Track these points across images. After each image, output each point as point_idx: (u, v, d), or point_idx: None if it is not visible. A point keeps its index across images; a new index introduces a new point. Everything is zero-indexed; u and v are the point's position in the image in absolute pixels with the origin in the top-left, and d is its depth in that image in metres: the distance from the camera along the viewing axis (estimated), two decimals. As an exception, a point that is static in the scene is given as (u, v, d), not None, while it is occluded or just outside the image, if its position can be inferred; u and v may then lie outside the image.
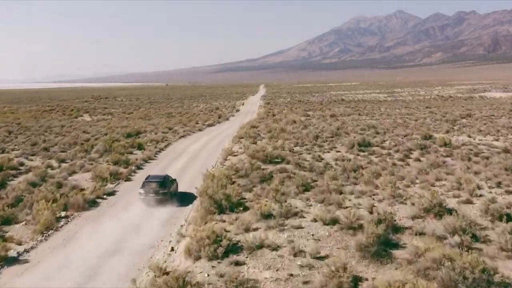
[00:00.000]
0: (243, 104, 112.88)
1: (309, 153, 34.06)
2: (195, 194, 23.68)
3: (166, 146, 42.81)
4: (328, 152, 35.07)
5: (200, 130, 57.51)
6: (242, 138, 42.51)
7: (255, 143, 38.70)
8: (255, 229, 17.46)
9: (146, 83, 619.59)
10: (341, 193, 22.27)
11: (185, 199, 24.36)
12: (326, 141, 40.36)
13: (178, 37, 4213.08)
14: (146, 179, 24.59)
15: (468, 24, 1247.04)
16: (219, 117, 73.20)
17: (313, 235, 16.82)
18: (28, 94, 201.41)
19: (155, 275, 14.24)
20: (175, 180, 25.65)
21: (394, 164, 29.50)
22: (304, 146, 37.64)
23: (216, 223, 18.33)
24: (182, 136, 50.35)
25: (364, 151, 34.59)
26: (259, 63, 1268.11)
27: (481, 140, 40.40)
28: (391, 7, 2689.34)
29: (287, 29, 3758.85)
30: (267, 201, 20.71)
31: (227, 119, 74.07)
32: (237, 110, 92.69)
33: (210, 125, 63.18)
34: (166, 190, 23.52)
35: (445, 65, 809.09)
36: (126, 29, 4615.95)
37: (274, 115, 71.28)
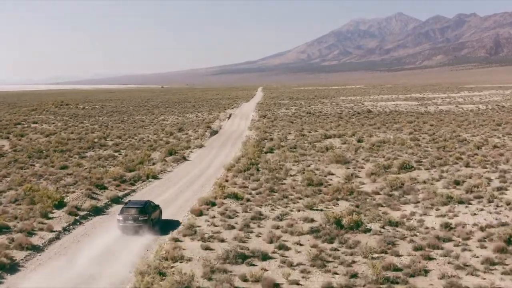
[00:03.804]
0: (229, 117, 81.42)
1: None
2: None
3: None
4: None
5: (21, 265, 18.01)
6: None
7: None
8: None
9: (144, 85, 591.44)
10: None
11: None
12: None
13: (178, 39, 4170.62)
14: (125, 204, 22.93)
15: (469, 27, 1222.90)
16: (170, 154, 40.46)
17: None
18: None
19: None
20: (158, 206, 23.55)
21: None
22: None
23: None
24: None
25: None
26: (258, 65, 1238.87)
27: None
28: (390, 9, 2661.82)
29: (286, 31, 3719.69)
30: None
31: (184, 157, 41.21)
32: (215, 132, 60.84)
33: (91, 215, 24.62)
34: (146, 217, 21.54)
35: (447, 67, 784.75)
36: (126, 30, 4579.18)
37: (272, 150, 41.64)
